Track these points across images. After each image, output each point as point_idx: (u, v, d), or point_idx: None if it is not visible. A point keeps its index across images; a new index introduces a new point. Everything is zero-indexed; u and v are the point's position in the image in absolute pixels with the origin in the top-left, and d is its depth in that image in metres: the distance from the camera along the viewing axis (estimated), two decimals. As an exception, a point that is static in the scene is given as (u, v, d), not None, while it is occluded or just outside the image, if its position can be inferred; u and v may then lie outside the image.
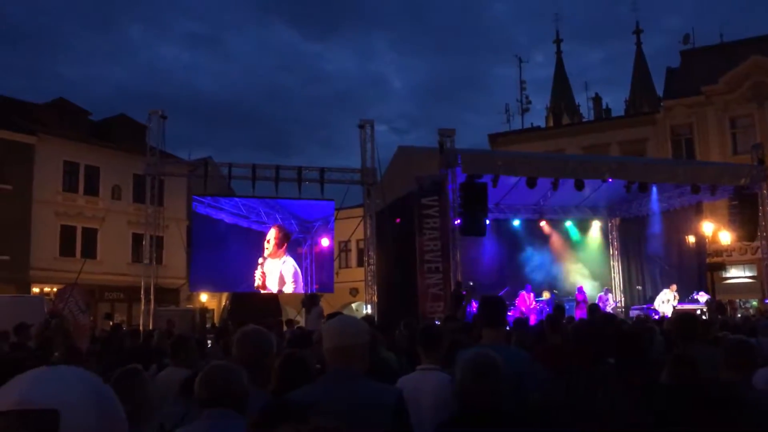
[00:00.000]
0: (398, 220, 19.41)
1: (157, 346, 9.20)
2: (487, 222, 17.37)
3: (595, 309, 12.44)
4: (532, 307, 19.85)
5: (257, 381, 3.26)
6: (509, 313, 14.59)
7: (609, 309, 19.24)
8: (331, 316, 6.39)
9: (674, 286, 19.91)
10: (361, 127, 22.65)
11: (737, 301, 25.93)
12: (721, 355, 3.77)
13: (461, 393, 3.00)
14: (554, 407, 3.61)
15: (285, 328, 13.64)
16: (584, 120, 41.31)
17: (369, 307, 22.32)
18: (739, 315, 20.09)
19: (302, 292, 21.68)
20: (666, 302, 19.31)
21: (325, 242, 22.26)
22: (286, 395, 3.03)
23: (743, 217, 19.56)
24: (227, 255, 21.13)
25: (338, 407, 2.76)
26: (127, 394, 3.15)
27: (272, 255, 21.41)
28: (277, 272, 21.52)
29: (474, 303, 16.05)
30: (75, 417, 0.98)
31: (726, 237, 24.35)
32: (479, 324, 4.82)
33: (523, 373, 3.93)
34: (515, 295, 19.93)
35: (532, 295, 20.23)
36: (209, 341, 10.99)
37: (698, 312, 15.42)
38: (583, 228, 23.58)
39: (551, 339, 6.12)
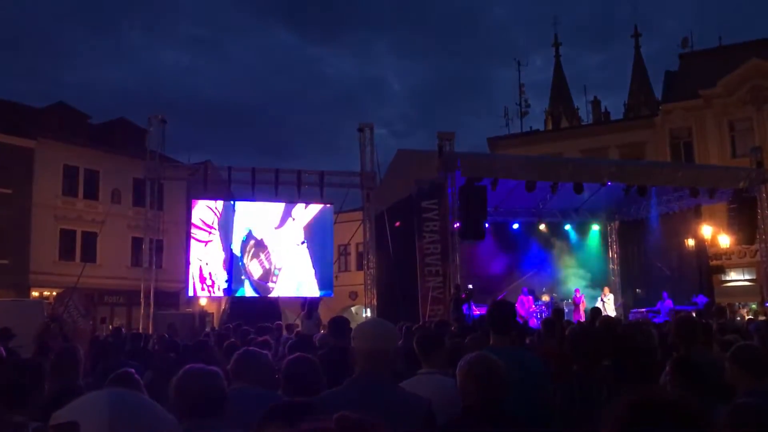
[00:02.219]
0: (398, 224, 19.43)
1: (153, 350, 9.22)
2: (487, 225, 17.39)
3: (596, 313, 12.45)
4: (531, 310, 19.86)
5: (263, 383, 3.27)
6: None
7: (608, 312, 19.27)
8: (336, 319, 6.38)
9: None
10: (361, 130, 22.66)
11: (736, 304, 25.96)
12: (728, 361, 3.73)
13: (462, 395, 3.02)
14: (558, 410, 3.62)
15: (284, 332, 13.65)
16: (583, 123, 41.26)
17: (368, 310, 22.32)
18: (738, 318, 20.11)
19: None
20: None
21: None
22: (320, 396, 3.01)
23: (742, 220, 19.56)
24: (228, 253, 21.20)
25: (371, 412, 2.75)
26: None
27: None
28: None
29: (473, 306, 16.08)
30: (89, 427, 1.24)
31: (725, 240, 24.37)
32: (488, 329, 4.81)
33: (536, 376, 3.96)
34: (514, 298, 19.94)
35: (531, 298, 20.25)
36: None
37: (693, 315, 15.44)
38: (583, 231, 23.59)
39: (547, 342, 6.15)
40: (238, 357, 3.80)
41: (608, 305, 20.03)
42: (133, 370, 3.57)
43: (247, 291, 21.43)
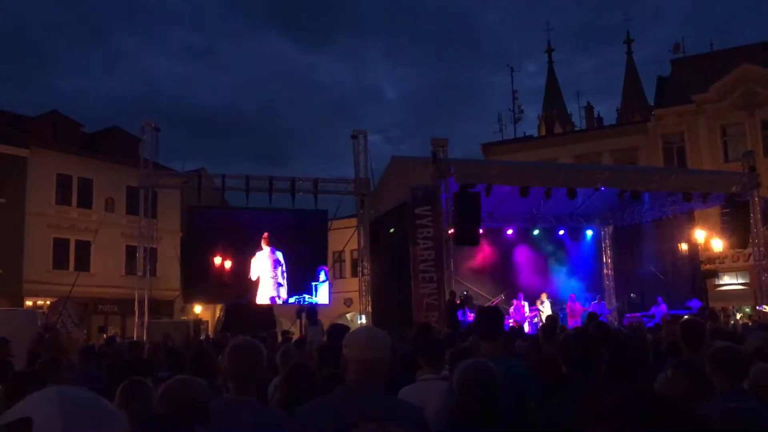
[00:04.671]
0: (392, 230, 19.43)
1: (149, 358, 9.17)
2: (481, 231, 17.41)
3: (593, 317, 12.48)
4: (526, 316, 19.89)
5: (248, 392, 3.26)
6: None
7: (602, 317, 19.29)
8: (335, 326, 6.36)
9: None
10: (354, 137, 22.67)
11: (730, 308, 26.04)
12: (708, 363, 3.75)
13: (458, 402, 3.02)
14: (551, 419, 3.63)
15: (279, 339, 13.62)
16: (576, 129, 41.38)
17: (363, 317, 22.30)
18: (732, 322, 20.18)
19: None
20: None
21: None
22: (309, 404, 3.01)
23: (735, 224, 19.65)
24: (223, 260, 21.09)
25: (360, 421, 2.76)
26: (133, 403, 3.13)
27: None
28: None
29: (468, 312, 16.10)
30: (43, 424, 1.23)
31: (718, 244, 24.47)
32: (477, 335, 4.83)
33: (523, 384, 3.96)
34: (509, 304, 19.98)
35: (525, 304, 20.29)
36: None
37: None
38: (576, 236, 23.65)
39: (546, 349, 6.15)
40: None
41: (545, 312, 19.91)
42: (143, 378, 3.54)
43: (241, 298, 21.36)
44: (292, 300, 21.21)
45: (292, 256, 21.53)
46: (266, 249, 21.27)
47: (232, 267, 21.14)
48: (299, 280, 21.65)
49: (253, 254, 21.18)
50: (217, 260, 21.02)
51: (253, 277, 21.05)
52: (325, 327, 16.12)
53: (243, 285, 21.18)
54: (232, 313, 22.13)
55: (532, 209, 21.94)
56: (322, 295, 21.81)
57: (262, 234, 21.42)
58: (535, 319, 19.54)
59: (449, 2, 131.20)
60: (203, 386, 2.82)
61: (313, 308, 17.44)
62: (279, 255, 21.33)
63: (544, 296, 20.83)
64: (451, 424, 3.13)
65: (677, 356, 5.36)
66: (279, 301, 21.63)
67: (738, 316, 21.02)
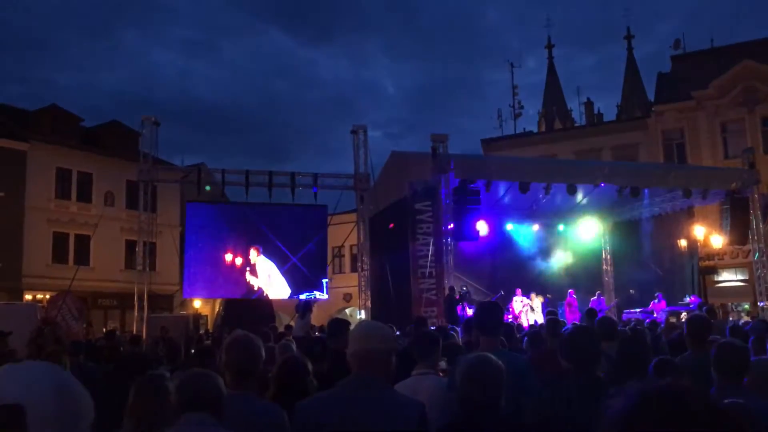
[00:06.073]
0: (391, 226, 19.43)
1: (147, 352, 9.19)
2: (480, 227, 17.41)
3: (592, 313, 12.47)
4: (517, 312, 19.87)
5: (246, 386, 3.26)
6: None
7: (537, 317, 19.30)
8: (334, 321, 6.33)
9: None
10: (354, 132, 22.68)
11: (729, 304, 26.04)
12: (713, 360, 3.75)
13: (461, 397, 3.01)
14: (551, 413, 3.63)
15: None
16: (576, 125, 41.30)
17: (363, 312, 22.33)
18: (731, 318, 20.19)
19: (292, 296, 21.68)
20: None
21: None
22: (310, 400, 3.01)
23: (734, 221, 19.63)
24: (222, 255, 21.16)
25: (362, 416, 2.76)
26: (151, 397, 3.10)
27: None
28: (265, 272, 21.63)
29: (467, 307, 16.11)
30: (37, 408, 1.09)
31: (717, 241, 24.47)
32: (476, 330, 4.82)
33: (522, 378, 3.96)
34: (509, 299, 19.97)
35: (524, 299, 20.27)
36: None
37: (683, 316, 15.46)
38: (576, 232, 23.62)
39: (551, 344, 6.15)
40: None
41: (537, 311, 19.89)
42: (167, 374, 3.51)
43: (240, 293, 21.38)
44: (303, 296, 21.27)
45: (298, 253, 21.60)
46: (258, 258, 21.43)
47: (232, 262, 21.19)
48: (309, 276, 21.73)
49: (251, 247, 21.30)
50: (217, 255, 21.08)
51: (254, 286, 21.30)
52: (316, 321, 16.25)
53: (242, 280, 21.24)
54: (231, 307, 22.16)
55: (532, 205, 21.90)
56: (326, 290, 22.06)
57: (261, 228, 21.52)
58: (523, 316, 19.54)
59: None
60: (219, 380, 2.83)
61: (308, 303, 17.47)
62: (269, 262, 21.53)
63: (534, 296, 20.81)
64: (454, 418, 3.13)
65: (679, 352, 5.37)
66: (287, 295, 21.77)
67: (743, 315, 21.02)
